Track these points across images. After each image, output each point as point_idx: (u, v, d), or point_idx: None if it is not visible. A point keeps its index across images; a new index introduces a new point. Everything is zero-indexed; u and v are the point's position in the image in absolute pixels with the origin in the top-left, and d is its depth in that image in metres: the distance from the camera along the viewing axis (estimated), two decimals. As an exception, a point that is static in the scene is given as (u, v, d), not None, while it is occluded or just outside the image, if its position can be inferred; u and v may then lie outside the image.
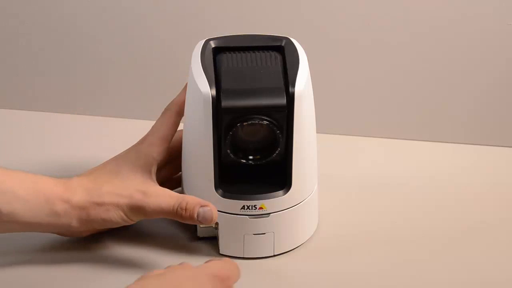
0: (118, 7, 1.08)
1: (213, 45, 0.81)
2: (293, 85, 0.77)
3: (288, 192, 0.80)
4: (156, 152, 0.82)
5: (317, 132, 0.86)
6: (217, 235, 0.82)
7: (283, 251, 0.82)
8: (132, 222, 0.80)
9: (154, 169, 0.82)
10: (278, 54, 0.81)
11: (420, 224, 0.88)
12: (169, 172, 0.88)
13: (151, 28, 1.08)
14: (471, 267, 0.81)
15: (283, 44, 0.81)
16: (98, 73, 1.12)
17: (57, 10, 1.10)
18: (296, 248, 0.83)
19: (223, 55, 0.80)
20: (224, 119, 0.76)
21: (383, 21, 1.03)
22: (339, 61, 1.06)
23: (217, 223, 0.81)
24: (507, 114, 1.05)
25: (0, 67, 1.15)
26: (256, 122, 0.76)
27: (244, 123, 0.76)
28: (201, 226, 0.82)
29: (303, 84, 0.78)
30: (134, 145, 0.84)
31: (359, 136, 1.09)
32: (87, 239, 0.83)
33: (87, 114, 1.14)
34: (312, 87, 0.85)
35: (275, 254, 0.82)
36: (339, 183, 0.96)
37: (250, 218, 0.80)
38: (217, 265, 0.68)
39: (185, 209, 0.78)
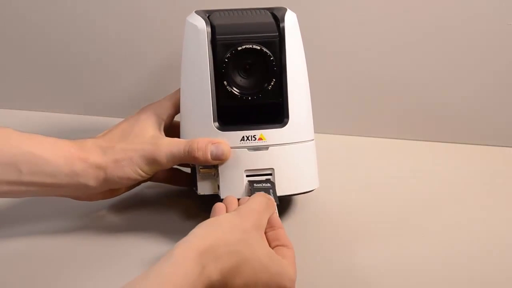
0: (118, 7, 1.08)
1: (206, 12, 0.86)
2: (283, 21, 0.83)
3: (286, 125, 0.83)
4: (166, 114, 0.86)
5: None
6: (218, 180, 0.82)
7: (283, 194, 0.83)
8: (148, 177, 0.83)
9: (162, 127, 0.85)
10: (268, 11, 0.87)
11: (420, 224, 0.88)
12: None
13: (151, 29, 1.08)
14: (470, 267, 0.80)
15: (272, 10, 0.87)
16: (98, 73, 1.12)
17: (57, 10, 1.10)
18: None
19: (215, 13, 0.86)
20: (220, 51, 0.81)
21: (383, 22, 1.03)
22: (339, 61, 1.06)
23: (216, 168, 0.82)
24: (507, 114, 1.05)
25: (0, 67, 1.15)
26: (250, 46, 0.81)
27: (239, 48, 0.80)
28: (201, 172, 0.82)
29: (292, 21, 0.83)
30: (145, 106, 0.87)
31: (359, 136, 1.09)
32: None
33: (87, 114, 1.15)
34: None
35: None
36: (339, 183, 0.96)
37: (249, 150, 0.82)
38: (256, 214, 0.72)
39: (197, 149, 0.80)
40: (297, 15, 0.85)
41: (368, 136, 1.09)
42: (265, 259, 0.69)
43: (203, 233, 0.67)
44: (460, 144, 1.07)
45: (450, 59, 1.03)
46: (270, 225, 0.75)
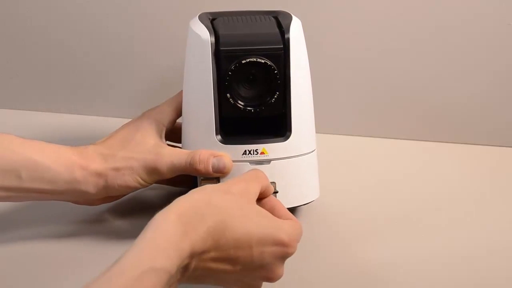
0: (120, 7, 1.08)
1: (209, 16, 0.85)
2: (288, 32, 0.81)
3: (289, 139, 0.82)
4: (167, 120, 0.85)
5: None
6: None
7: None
8: (147, 185, 0.82)
9: (163, 134, 0.85)
10: (273, 17, 0.85)
11: (421, 224, 0.88)
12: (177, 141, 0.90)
13: (152, 29, 1.08)
14: (470, 267, 0.81)
15: (277, 15, 0.86)
16: (99, 74, 1.12)
17: (58, 11, 1.10)
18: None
19: (219, 19, 0.85)
20: (224, 63, 0.80)
21: (383, 22, 1.03)
22: (340, 61, 1.06)
23: (218, 180, 0.82)
24: (507, 114, 1.05)
25: (0, 67, 1.15)
26: (254, 60, 0.79)
27: (243, 61, 0.79)
28: (202, 183, 0.82)
29: (297, 31, 0.82)
30: (146, 112, 0.87)
31: (359, 136, 1.09)
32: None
33: (87, 114, 1.15)
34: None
35: None
36: (339, 183, 0.96)
37: (251, 164, 0.82)
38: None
39: (199, 162, 0.80)
40: (299, 16, 0.84)
41: (369, 136, 1.09)
42: (255, 215, 0.67)
43: (184, 198, 0.66)
44: (460, 144, 1.07)
45: (450, 59, 1.03)
46: (270, 205, 0.73)
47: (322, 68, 1.04)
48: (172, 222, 0.62)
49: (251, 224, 0.65)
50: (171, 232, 0.61)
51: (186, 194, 0.67)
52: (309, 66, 0.84)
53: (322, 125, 0.98)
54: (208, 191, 0.67)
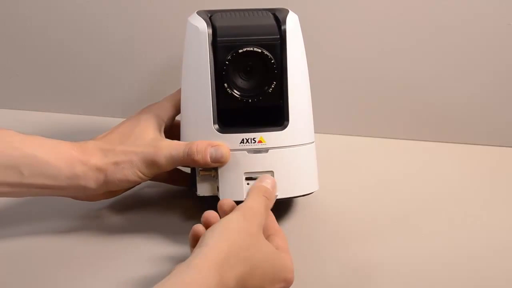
0: (118, 7, 1.08)
1: (208, 12, 0.86)
2: (284, 23, 0.83)
3: (286, 128, 0.83)
4: (166, 116, 0.86)
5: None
6: (217, 182, 0.82)
7: (282, 197, 0.83)
8: (147, 179, 0.83)
9: (162, 129, 0.85)
10: (270, 13, 0.86)
11: (420, 224, 0.88)
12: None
13: (152, 29, 1.08)
14: (470, 267, 0.81)
15: (275, 11, 0.87)
16: (98, 73, 1.12)
17: (57, 10, 1.10)
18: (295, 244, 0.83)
19: (217, 14, 0.86)
20: (221, 53, 0.81)
21: (383, 22, 1.03)
22: (339, 61, 1.06)
23: (216, 171, 0.82)
24: (507, 114, 1.05)
25: (0, 67, 1.15)
26: (251, 49, 0.80)
27: (240, 51, 0.80)
28: (200, 174, 0.83)
29: (293, 24, 0.83)
30: (146, 107, 0.87)
31: (359, 136, 1.09)
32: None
33: (87, 114, 1.15)
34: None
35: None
36: (339, 183, 0.96)
37: (249, 153, 0.82)
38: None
39: (197, 152, 0.80)
40: (298, 16, 0.85)
41: (369, 136, 1.09)
42: (271, 257, 0.71)
43: (217, 242, 0.68)
44: (460, 144, 1.07)
45: (450, 59, 1.03)
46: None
47: (322, 68, 1.04)
48: (209, 271, 0.65)
49: (267, 266, 0.70)
50: (209, 281, 0.64)
51: (217, 234, 0.69)
52: (309, 66, 0.85)
53: (322, 125, 0.98)
54: (236, 236, 0.70)
